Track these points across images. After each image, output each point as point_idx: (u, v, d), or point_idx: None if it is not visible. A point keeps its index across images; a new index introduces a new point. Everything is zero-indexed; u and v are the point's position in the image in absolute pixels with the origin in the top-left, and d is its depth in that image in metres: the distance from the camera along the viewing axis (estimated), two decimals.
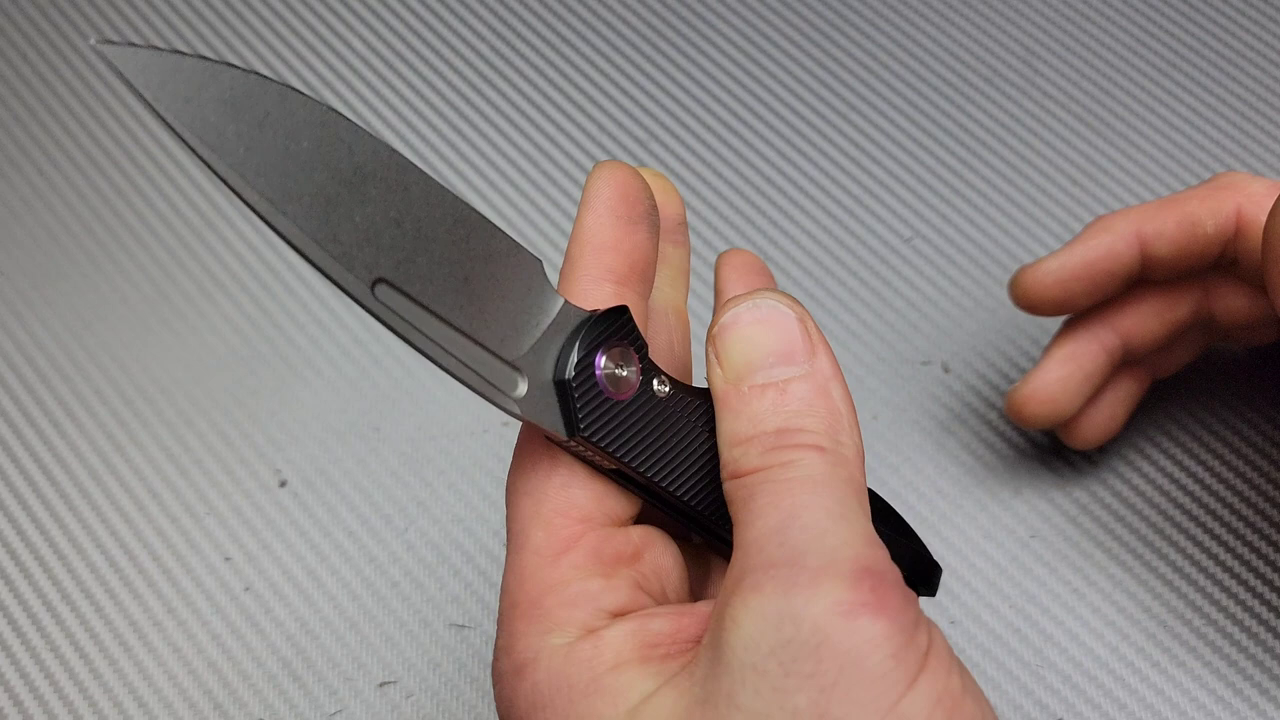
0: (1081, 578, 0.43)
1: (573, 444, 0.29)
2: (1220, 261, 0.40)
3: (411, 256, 0.27)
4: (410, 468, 0.46)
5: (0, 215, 0.52)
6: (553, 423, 0.28)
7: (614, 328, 0.29)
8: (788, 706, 0.25)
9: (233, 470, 0.46)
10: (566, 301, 0.29)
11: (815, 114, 0.53)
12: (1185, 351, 0.43)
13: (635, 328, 0.29)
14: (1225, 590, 0.42)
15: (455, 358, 0.27)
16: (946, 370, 0.47)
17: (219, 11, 0.57)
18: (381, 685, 0.42)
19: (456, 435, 0.46)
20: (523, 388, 0.28)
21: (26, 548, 0.45)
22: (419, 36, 0.56)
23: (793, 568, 0.26)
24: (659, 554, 0.30)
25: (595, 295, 0.30)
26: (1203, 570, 0.43)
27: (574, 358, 0.28)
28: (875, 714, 0.25)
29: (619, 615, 0.29)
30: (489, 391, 0.28)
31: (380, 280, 0.26)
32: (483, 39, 0.56)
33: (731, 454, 0.28)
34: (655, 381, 0.30)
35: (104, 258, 0.51)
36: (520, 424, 0.30)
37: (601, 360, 0.29)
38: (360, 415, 0.47)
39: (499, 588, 0.43)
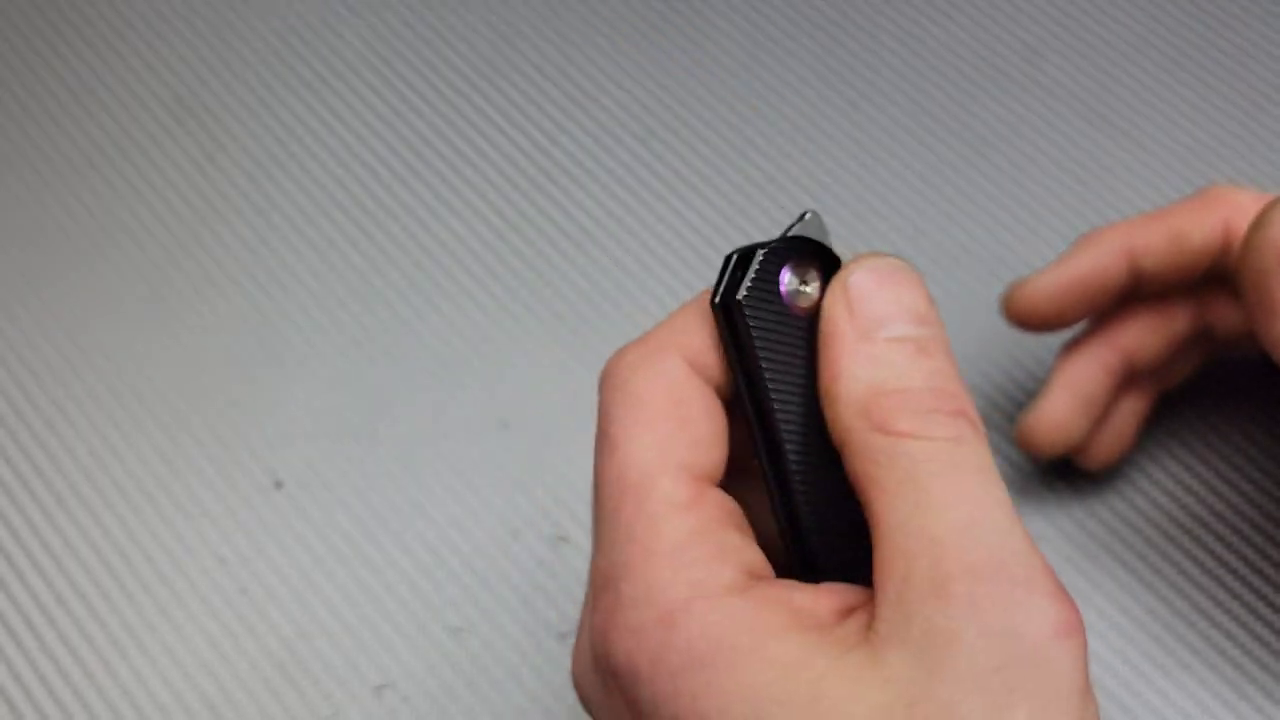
0: (1086, 580, 0.42)
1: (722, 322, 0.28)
2: (1211, 274, 0.39)
3: None
4: (406, 470, 0.46)
5: None
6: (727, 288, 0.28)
7: (805, 250, 0.28)
8: None
9: (227, 471, 0.46)
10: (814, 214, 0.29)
11: (816, 110, 0.53)
12: (1188, 363, 0.42)
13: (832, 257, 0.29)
14: (1231, 593, 0.42)
15: None
16: None
17: (217, 10, 0.57)
18: (377, 689, 0.42)
19: (453, 437, 0.46)
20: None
21: (20, 549, 0.45)
22: (417, 34, 0.56)
23: (1000, 581, 0.25)
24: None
25: None
26: (1208, 573, 0.42)
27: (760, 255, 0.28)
28: None
29: (755, 577, 0.27)
30: None
31: None
32: (481, 37, 0.56)
33: (876, 403, 0.27)
34: None
35: (97, 257, 0.50)
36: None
37: (786, 275, 0.28)
38: (356, 416, 0.47)
39: (497, 589, 0.43)
